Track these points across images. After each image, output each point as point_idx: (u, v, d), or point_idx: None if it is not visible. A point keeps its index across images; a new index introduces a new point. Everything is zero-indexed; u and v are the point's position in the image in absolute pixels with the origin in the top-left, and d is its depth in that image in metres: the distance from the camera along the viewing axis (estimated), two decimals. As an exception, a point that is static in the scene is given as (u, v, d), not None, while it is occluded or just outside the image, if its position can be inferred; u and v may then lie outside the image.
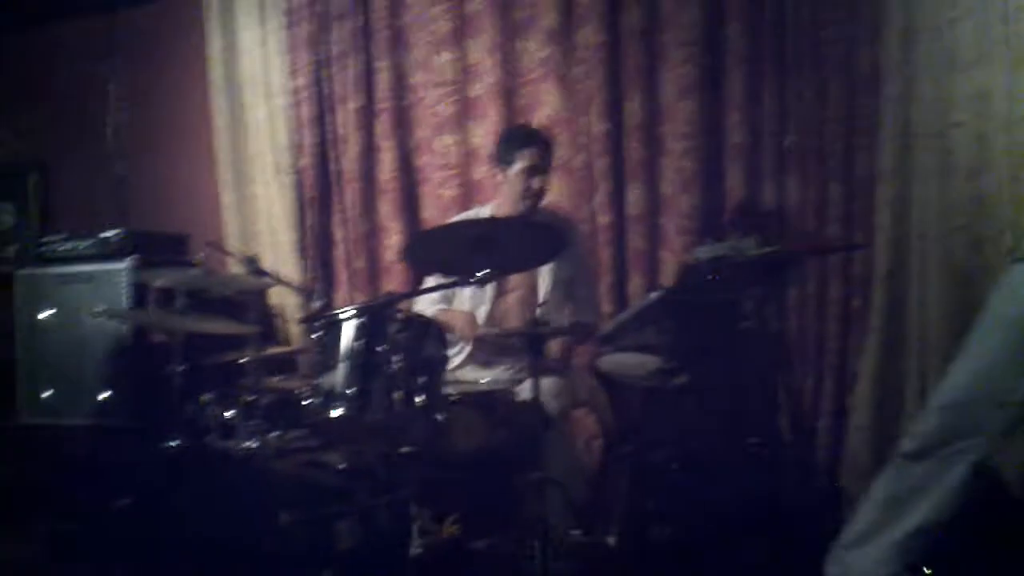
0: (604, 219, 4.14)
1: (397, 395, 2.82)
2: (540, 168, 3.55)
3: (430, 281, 3.54)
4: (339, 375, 2.83)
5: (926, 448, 2.42)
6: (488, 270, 2.76)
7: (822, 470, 3.90)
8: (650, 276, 4.12)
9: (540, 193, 3.57)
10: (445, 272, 3.08)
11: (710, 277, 3.20)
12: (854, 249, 3.79)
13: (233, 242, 4.81)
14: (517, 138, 3.62)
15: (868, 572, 2.47)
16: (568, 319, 3.62)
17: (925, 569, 2.44)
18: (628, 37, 4.09)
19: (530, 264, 3.33)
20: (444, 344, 3.06)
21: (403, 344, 2.86)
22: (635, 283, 4.13)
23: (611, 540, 3.20)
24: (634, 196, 4.11)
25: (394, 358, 2.83)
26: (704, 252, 3.23)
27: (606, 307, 4.09)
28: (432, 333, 2.99)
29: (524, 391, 3.25)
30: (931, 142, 3.64)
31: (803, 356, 3.96)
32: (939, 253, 3.63)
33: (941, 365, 3.56)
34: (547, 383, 3.30)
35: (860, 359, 3.82)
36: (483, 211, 3.76)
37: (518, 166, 3.55)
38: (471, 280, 2.80)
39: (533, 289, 3.63)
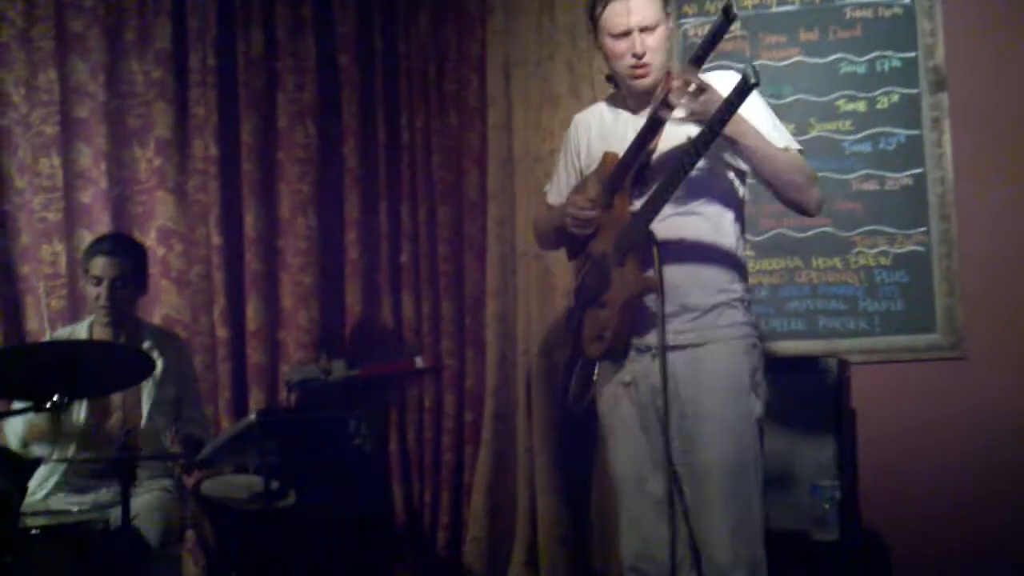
0: (223, 333, 4.03)
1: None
2: (100, 280, 3.32)
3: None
4: None
5: None
6: (57, 395, 2.60)
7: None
8: (270, 391, 4.03)
9: (109, 305, 3.32)
10: (11, 395, 2.86)
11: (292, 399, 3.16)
12: (430, 371, 3.92)
13: None
14: (87, 249, 3.43)
15: None
16: (174, 440, 3.44)
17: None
18: (244, 151, 4.06)
19: (110, 388, 3.15)
20: (18, 472, 2.80)
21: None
22: (256, 398, 4.02)
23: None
24: (253, 310, 4.04)
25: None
26: (295, 374, 3.21)
27: (225, 423, 3.96)
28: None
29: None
30: (532, 263, 3.89)
31: (420, 469, 4.02)
32: (541, 368, 3.85)
33: (548, 472, 3.77)
34: (147, 509, 3.12)
35: (474, 472, 3.93)
36: (81, 326, 3.52)
37: (89, 276, 3.36)
38: (42, 407, 2.62)
39: (134, 409, 3.43)
